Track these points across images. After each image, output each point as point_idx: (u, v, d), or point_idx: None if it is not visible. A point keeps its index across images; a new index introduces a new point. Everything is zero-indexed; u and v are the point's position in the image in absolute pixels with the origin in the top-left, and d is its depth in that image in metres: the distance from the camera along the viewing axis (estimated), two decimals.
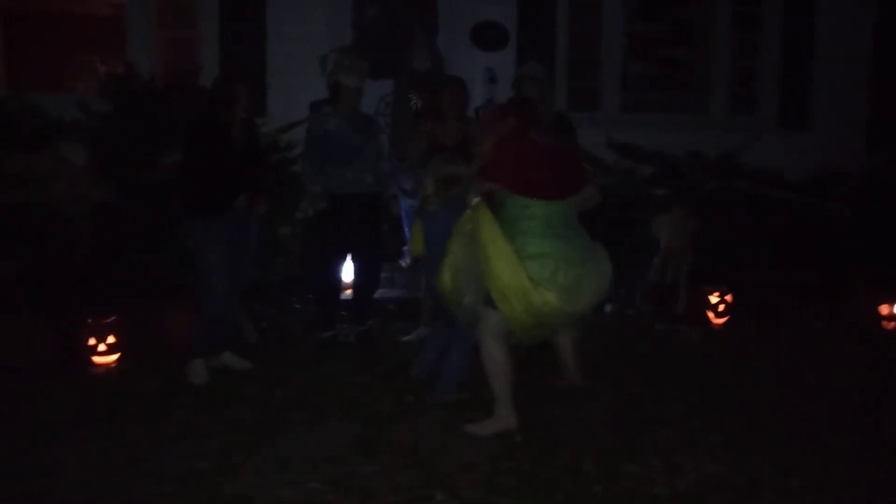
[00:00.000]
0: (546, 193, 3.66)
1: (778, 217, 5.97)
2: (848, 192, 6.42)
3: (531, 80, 5.02)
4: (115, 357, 4.66)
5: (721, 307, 5.57)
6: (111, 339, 4.63)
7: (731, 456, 3.48)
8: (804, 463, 3.41)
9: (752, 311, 5.62)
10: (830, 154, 6.78)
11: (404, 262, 6.30)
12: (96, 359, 4.63)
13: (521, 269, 3.50)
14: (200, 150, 4.39)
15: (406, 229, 6.26)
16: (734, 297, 5.59)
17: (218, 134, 4.37)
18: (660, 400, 4.15)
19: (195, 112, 4.79)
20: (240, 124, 4.43)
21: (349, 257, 5.09)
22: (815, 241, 5.89)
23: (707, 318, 5.59)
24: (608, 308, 6.01)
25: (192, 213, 4.37)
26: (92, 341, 4.61)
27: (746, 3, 7.78)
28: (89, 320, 4.65)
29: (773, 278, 5.82)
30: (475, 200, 3.67)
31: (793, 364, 4.78)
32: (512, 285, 3.49)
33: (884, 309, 5.64)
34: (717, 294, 5.57)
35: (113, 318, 4.71)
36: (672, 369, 4.68)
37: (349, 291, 5.38)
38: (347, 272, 5.27)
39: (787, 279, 5.75)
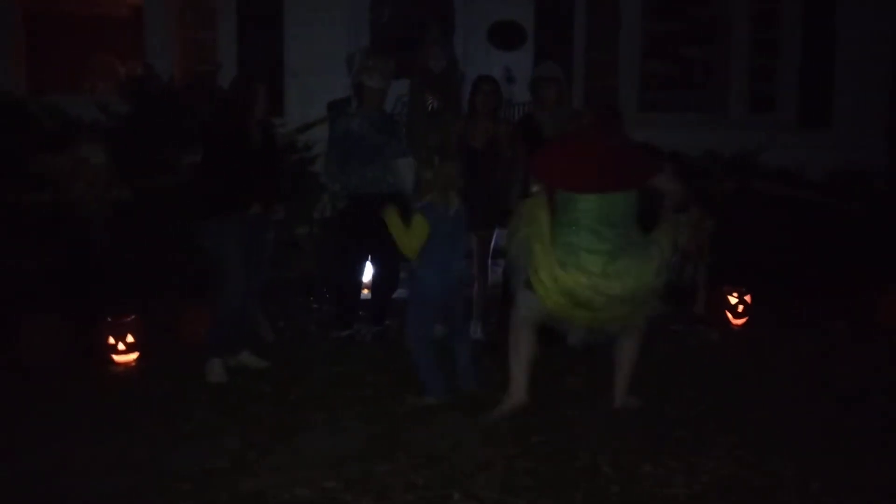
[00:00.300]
0: (583, 187, 3.76)
1: (797, 217, 5.92)
2: (869, 192, 6.35)
3: (549, 80, 5.00)
4: (133, 356, 4.70)
5: (740, 308, 5.52)
6: (130, 338, 4.67)
7: (750, 457, 3.44)
8: (824, 465, 3.37)
9: (772, 311, 5.57)
10: (851, 154, 6.72)
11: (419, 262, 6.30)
12: (115, 357, 4.66)
13: (550, 251, 3.67)
14: (217, 151, 4.40)
15: None
16: (753, 298, 5.54)
17: (235, 134, 4.38)
18: (678, 401, 4.12)
19: (212, 113, 4.81)
20: (257, 125, 4.45)
21: (368, 257, 5.10)
22: (835, 241, 5.84)
23: (726, 318, 5.54)
24: None
25: (208, 213, 4.39)
26: (111, 340, 4.65)
27: (766, 0, 7.72)
28: (108, 319, 4.69)
29: (793, 278, 5.77)
30: (535, 188, 3.98)
31: (812, 365, 4.74)
32: (542, 264, 3.66)
33: None
34: (735, 294, 5.52)
35: (132, 317, 4.74)
36: (690, 370, 4.64)
37: (367, 291, 5.39)
38: (365, 272, 5.28)
39: (806, 279, 5.70)
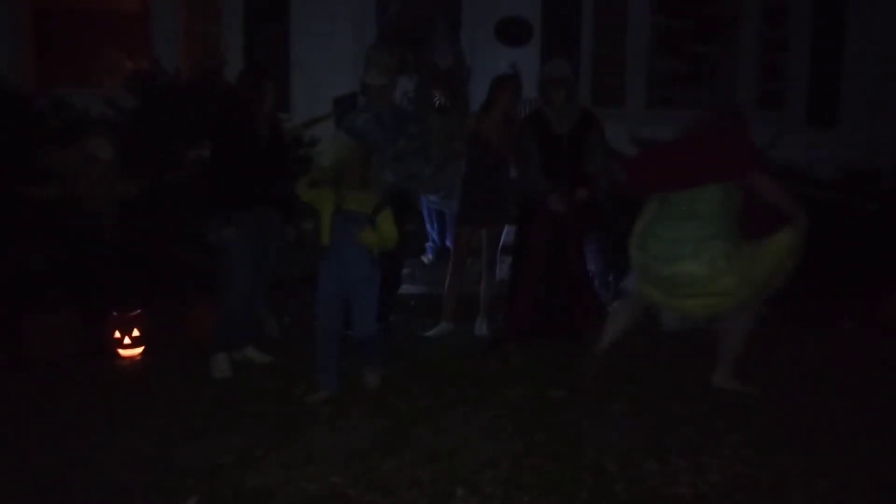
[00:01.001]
0: (657, 187, 4.13)
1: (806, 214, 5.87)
2: (878, 190, 6.32)
3: (559, 81, 4.94)
4: (139, 350, 4.71)
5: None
6: (136, 333, 4.68)
7: (757, 455, 3.44)
8: (832, 464, 3.36)
9: (779, 309, 5.54)
10: (859, 152, 6.67)
11: (426, 259, 6.30)
12: (121, 352, 4.68)
13: (642, 242, 4.13)
14: (225, 146, 4.41)
15: (428, 226, 6.26)
16: None
17: (243, 130, 4.38)
18: (684, 399, 4.11)
19: (220, 108, 4.81)
20: (264, 120, 4.44)
21: None
22: (844, 239, 5.80)
23: None
24: None
25: (216, 208, 4.39)
26: (117, 334, 4.66)
27: None
28: (114, 314, 4.70)
29: (800, 277, 5.73)
30: None
31: (820, 364, 4.72)
32: (634, 254, 4.18)
33: None
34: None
35: (138, 311, 4.75)
36: (696, 368, 4.62)
37: None
38: None
39: (814, 278, 5.66)
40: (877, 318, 5.55)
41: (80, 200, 5.01)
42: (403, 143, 4.91)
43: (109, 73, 7.22)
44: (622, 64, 7.55)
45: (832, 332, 5.37)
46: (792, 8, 7.65)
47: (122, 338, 4.66)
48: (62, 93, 5.94)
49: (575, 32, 7.30)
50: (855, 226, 5.97)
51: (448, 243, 5.84)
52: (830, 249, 5.71)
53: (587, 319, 5.01)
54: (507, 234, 5.41)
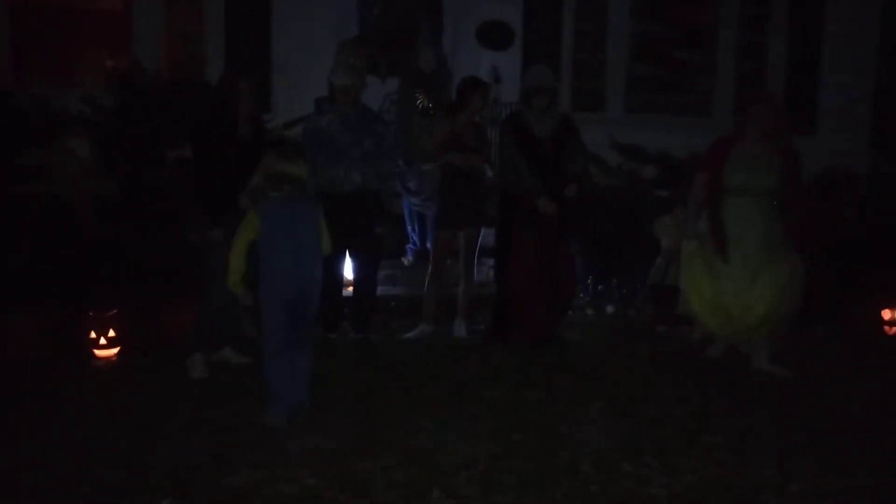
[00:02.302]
0: None
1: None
2: (853, 196, 6.41)
3: (543, 91, 4.95)
4: (115, 351, 4.68)
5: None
6: (112, 333, 4.65)
7: (730, 458, 3.46)
8: (804, 467, 3.39)
9: None
10: (835, 159, 6.77)
11: (406, 260, 6.31)
12: (97, 352, 4.64)
13: None
14: (207, 148, 4.39)
15: (409, 227, 6.26)
16: None
17: (224, 131, 4.37)
18: (659, 401, 4.14)
19: (201, 108, 4.79)
20: (246, 121, 4.43)
21: (345, 256, 5.08)
22: (819, 244, 5.88)
23: None
24: (610, 309, 6.02)
25: (202, 209, 4.36)
26: (93, 334, 4.62)
27: (753, 6, 7.77)
28: (90, 313, 4.67)
29: None
30: None
31: (794, 368, 4.77)
32: None
33: (886, 313, 5.62)
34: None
35: (114, 311, 4.72)
36: (672, 371, 4.67)
37: (351, 288, 5.39)
38: (349, 269, 5.28)
39: None
40: (850, 323, 5.63)
41: (59, 198, 4.98)
42: (370, 143, 4.89)
43: (89, 71, 7.17)
44: (602, 69, 7.62)
45: (806, 336, 5.43)
46: (770, 17, 7.76)
47: (98, 338, 4.62)
48: (42, 91, 5.90)
49: (556, 37, 7.36)
50: (831, 231, 6.05)
51: (429, 245, 5.85)
52: (805, 254, 5.78)
53: (560, 318, 5.13)
54: (485, 236, 5.43)
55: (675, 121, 7.63)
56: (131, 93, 5.81)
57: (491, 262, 5.67)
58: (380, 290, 5.39)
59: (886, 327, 5.62)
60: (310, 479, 3.19)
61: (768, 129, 4.56)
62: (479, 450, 3.50)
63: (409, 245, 6.35)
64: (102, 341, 4.63)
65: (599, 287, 6.25)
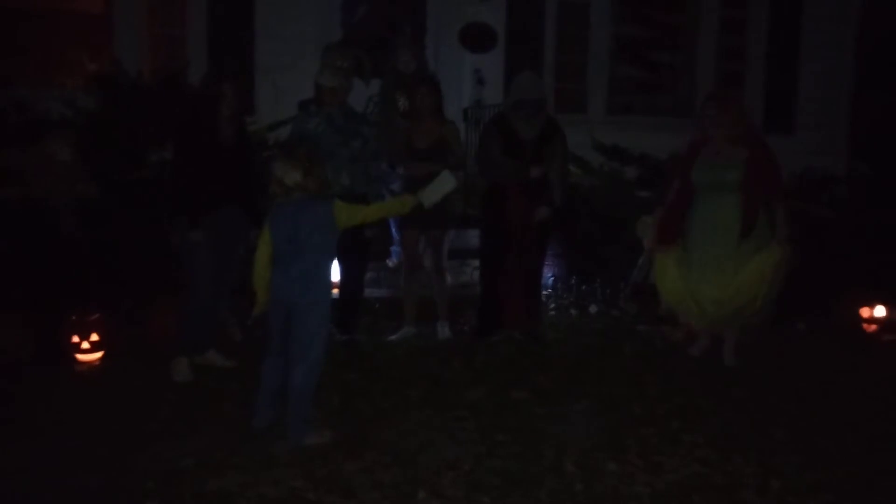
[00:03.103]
0: None
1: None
2: (831, 196, 6.48)
3: (529, 103, 4.92)
4: (98, 355, 4.65)
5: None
6: (95, 337, 4.62)
7: (713, 455, 3.50)
8: (784, 464, 3.44)
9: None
10: (813, 160, 6.85)
11: (391, 262, 6.31)
12: (80, 356, 4.61)
13: None
14: (189, 149, 4.37)
15: (393, 230, 6.26)
16: None
17: (206, 132, 4.35)
18: (642, 400, 4.18)
19: (183, 110, 4.77)
20: (229, 122, 4.42)
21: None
22: (798, 244, 5.94)
23: None
24: (593, 308, 6.06)
25: (180, 211, 4.36)
26: (75, 339, 4.59)
27: (732, 7, 7.85)
28: (73, 317, 4.64)
29: None
30: None
31: (774, 365, 4.83)
32: None
33: (865, 312, 5.69)
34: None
35: (97, 315, 4.69)
36: (654, 370, 4.71)
37: (336, 291, 5.38)
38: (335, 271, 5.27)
39: None
40: (830, 321, 5.69)
41: (39, 201, 4.94)
42: (358, 145, 4.87)
43: (70, 73, 7.11)
44: (584, 71, 7.66)
45: (787, 335, 5.49)
46: (749, 19, 7.84)
47: (81, 342, 4.59)
48: (22, 93, 5.86)
49: (538, 40, 7.40)
50: (809, 230, 6.11)
51: None
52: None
53: (532, 317, 5.18)
54: (471, 237, 5.44)
55: (657, 122, 7.69)
56: (113, 94, 5.78)
57: (475, 263, 5.69)
58: (365, 292, 5.38)
59: (865, 325, 5.69)
60: (295, 481, 3.19)
61: (725, 127, 4.60)
62: (464, 450, 3.52)
63: (394, 247, 6.35)
64: (85, 345, 4.60)
65: (583, 287, 6.28)
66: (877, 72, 7.68)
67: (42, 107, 5.72)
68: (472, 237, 5.85)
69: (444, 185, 4.07)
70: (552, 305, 6.11)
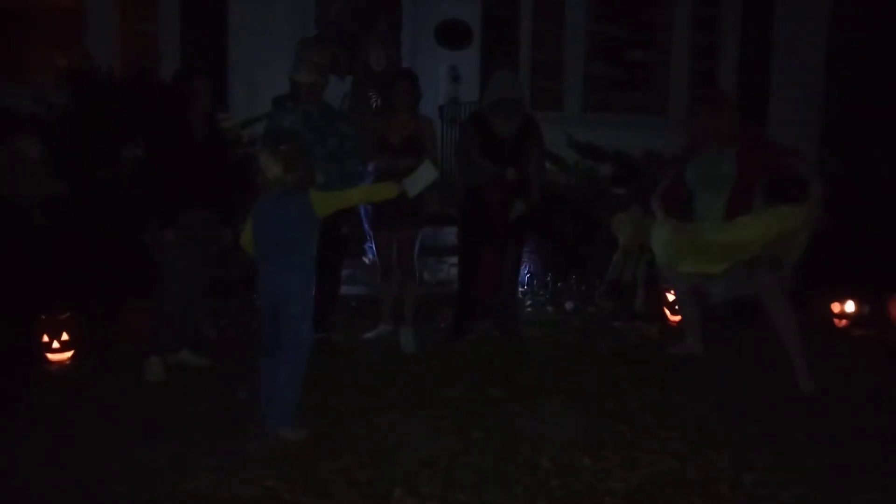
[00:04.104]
0: None
1: None
2: (802, 193, 6.55)
3: (507, 102, 4.90)
4: (68, 354, 4.58)
5: (678, 305, 5.64)
6: (65, 336, 4.55)
7: (686, 450, 3.53)
8: (757, 458, 3.47)
9: (709, 308, 5.69)
10: None
11: (367, 259, 6.29)
12: (50, 356, 4.54)
13: None
14: (160, 146, 4.32)
15: (366, 226, 6.24)
16: None
17: (178, 129, 4.31)
18: (617, 395, 4.20)
19: (155, 106, 4.72)
20: (201, 119, 4.38)
21: None
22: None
23: (664, 315, 5.67)
24: (569, 305, 6.09)
25: (156, 209, 4.30)
26: (45, 338, 4.53)
27: (705, 6, 7.92)
28: (43, 316, 4.57)
29: None
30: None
31: (747, 361, 4.87)
32: None
33: (835, 307, 5.77)
34: (673, 292, 5.64)
35: (67, 314, 4.62)
36: (630, 365, 4.74)
37: None
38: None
39: None
40: (801, 316, 5.75)
41: (7, 198, 4.86)
42: (334, 142, 4.83)
43: (41, 69, 7.01)
44: (559, 69, 7.69)
45: (760, 330, 5.53)
46: (722, 18, 7.91)
47: (51, 342, 4.53)
48: None
49: (514, 37, 7.42)
50: None
51: None
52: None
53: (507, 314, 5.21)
54: (447, 235, 5.43)
55: (631, 119, 7.74)
56: (84, 91, 5.70)
57: (453, 260, 5.69)
58: (341, 290, 5.36)
59: (836, 320, 5.77)
60: (269, 481, 3.17)
61: (712, 130, 4.51)
62: (440, 448, 3.51)
63: (368, 244, 6.32)
64: (55, 345, 4.54)
65: (559, 284, 6.31)
66: (848, 69, 7.78)
67: (11, 102, 5.63)
68: (450, 234, 5.85)
69: (427, 175, 4.08)
70: (529, 302, 6.14)
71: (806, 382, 4.34)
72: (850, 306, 5.73)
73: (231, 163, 5.10)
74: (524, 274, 6.27)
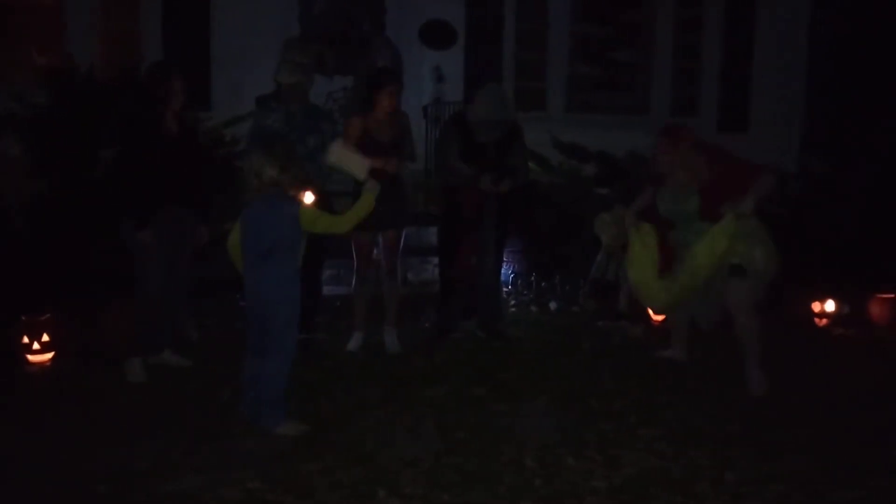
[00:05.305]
0: None
1: None
2: (784, 192, 6.61)
3: (495, 125, 4.87)
4: (49, 355, 4.54)
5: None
6: (45, 337, 4.51)
7: (669, 449, 3.55)
8: (739, 456, 3.49)
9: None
10: (768, 157, 6.97)
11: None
12: (30, 357, 4.50)
13: None
14: (133, 145, 4.26)
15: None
16: None
17: (151, 128, 4.25)
18: (601, 395, 4.21)
19: (127, 105, 4.65)
20: (174, 117, 4.30)
21: None
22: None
23: (647, 315, 5.69)
24: (553, 305, 6.10)
25: (125, 210, 4.26)
26: (25, 339, 4.48)
27: (688, 7, 7.96)
28: (23, 317, 4.52)
29: None
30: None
31: (728, 360, 4.89)
32: None
33: (816, 306, 5.82)
34: None
35: (47, 315, 4.58)
36: (613, 365, 4.75)
37: None
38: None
39: None
40: (782, 316, 5.80)
41: None
42: (315, 140, 4.78)
43: (20, 68, 6.93)
44: (543, 69, 7.70)
45: None
46: (704, 18, 7.96)
47: (31, 343, 4.48)
48: None
49: (498, 37, 7.42)
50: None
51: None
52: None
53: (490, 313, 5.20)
54: (429, 234, 5.42)
55: (614, 119, 7.77)
56: (65, 90, 5.65)
57: (436, 260, 5.68)
58: (325, 290, 5.33)
59: (816, 319, 5.82)
60: (252, 482, 3.15)
61: (669, 166, 4.43)
62: (424, 448, 3.51)
63: None
64: (35, 346, 4.49)
65: (543, 284, 6.32)
66: (830, 70, 7.85)
67: None
68: (433, 234, 5.84)
69: (343, 157, 4.15)
70: (512, 302, 6.15)
71: (756, 385, 4.29)
72: (830, 306, 5.78)
73: (208, 161, 5.01)
74: (508, 274, 6.28)
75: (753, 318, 4.34)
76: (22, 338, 4.48)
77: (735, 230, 4.21)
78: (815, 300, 5.83)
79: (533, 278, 6.36)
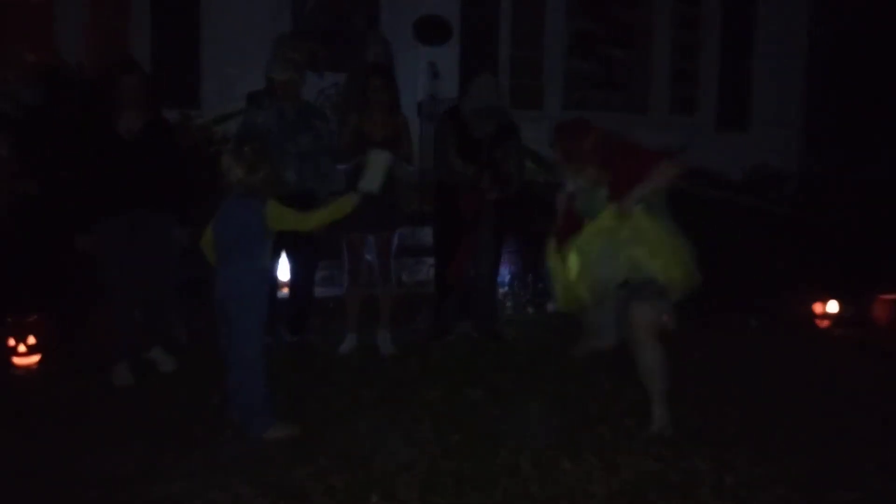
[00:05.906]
0: None
1: (715, 216, 6.07)
2: (784, 192, 6.58)
3: (489, 111, 4.82)
4: (35, 358, 4.47)
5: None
6: (32, 340, 4.45)
7: (667, 453, 3.49)
8: (738, 460, 3.44)
9: (688, 308, 5.67)
10: (767, 156, 6.95)
11: None
12: (16, 360, 4.43)
13: None
14: (83, 146, 4.16)
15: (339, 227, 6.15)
16: None
17: (99, 127, 4.14)
18: (597, 398, 4.16)
19: (74, 103, 4.54)
20: (133, 115, 4.16)
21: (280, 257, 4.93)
22: (752, 240, 6.00)
23: None
24: (550, 307, 6.04)
25: (85, 213, 4.15)
26: (11, 342, 4.42)
27: (687, 5, 7.92)
28: (9, 319, 4.45)
29: (710, 276, 5.88)
30: None
31: (728, 361, 4.85)
32: None
33: (818, 307, 5.77)
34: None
35: (34, 317, 4.51)
36: (610, 367, 4.68)
37: (286, 290, 5.25)
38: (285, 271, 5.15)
39: (723, 277, 5.82)
40: (783, 317, 5.76)
41: None
42: (307, 139, 4.72)
43: (7, 66, 6.84)
44: (539, 66, 7.64)
45: (740, 330, 5.54)
46: (703, 17, 7.91)
47: (17, 345, 4.41)
48: None
49: (493, 34, 7.36)
50: (763, 227, 6.18)
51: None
52: (738, 249, 5.91)
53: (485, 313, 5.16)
54: (425, 235, 5.36)
55: (612, 117, 7.69)
56: (53, 88, 5.57)
57: (431, 261, 5.62)
58: (318, 292, 5.27)
59: (818, 321, 5.78)
60: (243, 487, 3.09)
61: (572, 163, 3.94)
62: (418, 452, 3.45)
63: None
64: (22, 349, 4.43)
65: (540, 285, 6.26)
66: (830, 69, 7.81)
67: None
68: (427, 234, 5.78)
69: (379, 163, 3.97)
70: (509, 303, 6.09)
71: (660, 425, 3.68)
72: (831, 307, 5.74)
73: (190, 161, 4.88)
74: (504, 274, 6.22)
75: (656, 349, 3.64)
76: (7, 340, 4.42)
77: (617, 224, 3.63)
78: (816, 301, 5.78)
79: (529, 279, 6.29)
